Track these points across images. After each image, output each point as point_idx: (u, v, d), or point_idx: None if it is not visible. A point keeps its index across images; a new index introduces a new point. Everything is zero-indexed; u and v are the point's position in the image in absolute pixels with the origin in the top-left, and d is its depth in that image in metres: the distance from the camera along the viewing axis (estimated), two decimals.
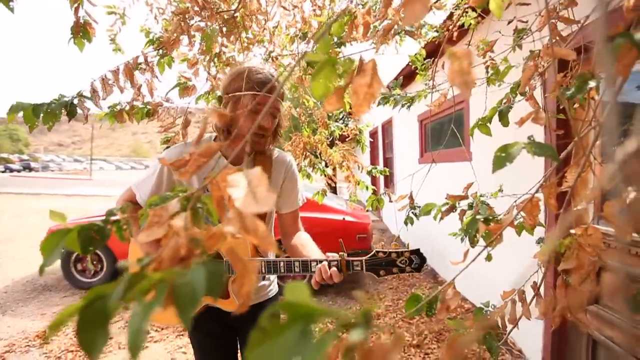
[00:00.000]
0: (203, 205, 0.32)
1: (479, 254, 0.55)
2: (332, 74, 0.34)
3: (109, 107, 0.96)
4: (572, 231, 0.72)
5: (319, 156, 2.14)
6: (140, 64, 0.96)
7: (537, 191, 0.54)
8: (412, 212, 1.53)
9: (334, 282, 0.91)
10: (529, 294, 0.83)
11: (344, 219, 3.40)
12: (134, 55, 0.98)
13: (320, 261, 0.95)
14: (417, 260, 0.94)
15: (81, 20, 1.18)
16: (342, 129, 2.41)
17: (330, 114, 2.48)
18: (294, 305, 0.18)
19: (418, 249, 0.94)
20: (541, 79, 0.79)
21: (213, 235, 0.29)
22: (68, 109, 0.78)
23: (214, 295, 0.22)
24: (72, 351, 2.52)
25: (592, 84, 0.61)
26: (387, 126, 6.35)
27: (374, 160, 7.53)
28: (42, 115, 0.73)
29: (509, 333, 0.81)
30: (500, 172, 0.50)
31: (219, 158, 1.12)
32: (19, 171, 40.86)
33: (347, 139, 2.45)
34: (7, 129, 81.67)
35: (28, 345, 2.67)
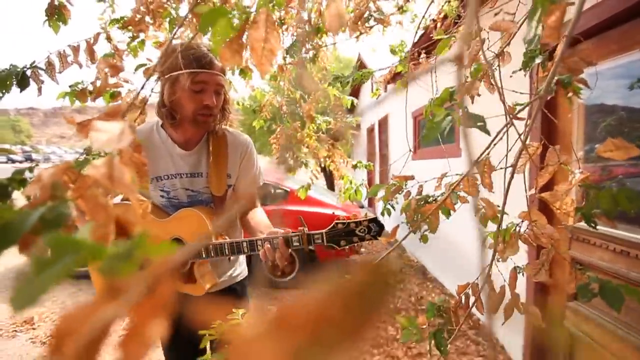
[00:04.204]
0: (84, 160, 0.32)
1: (410, 232, 0.54)
2: (229, 28, 0.33)
3: (69, 86, 0.95)
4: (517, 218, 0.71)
5: (307, 148, 2.12)
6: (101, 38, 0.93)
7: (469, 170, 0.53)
8: (389, 204, 1.54)
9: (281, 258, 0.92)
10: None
11: (333, 213, 3.40)
12: (94, 32, 0.98)
13: (284, 236, 0.95)
14: (375, 228, 0.92)
15: (56, 2, 1.17)
16: (329, 122, 2.40)
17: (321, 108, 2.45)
18: (62, 240, 0.18)
19: (375, 217, 0.93)
20: (499, 59, 0.79)
21: (82, 184, 0.29)
22: (19, 78, 0.77)
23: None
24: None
25: (537, 60, 0.61)
26: (383, 123, 6.33)
27: (370, 158, 7.51)
28: None
29: (459, 327, 0.79)
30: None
31: (173, 145, 1.04)
32: (21, 162, 40.98)
33: (334, 135, 2.43)
34: (10, 120, 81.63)
35: (15, 331, 2.70)
